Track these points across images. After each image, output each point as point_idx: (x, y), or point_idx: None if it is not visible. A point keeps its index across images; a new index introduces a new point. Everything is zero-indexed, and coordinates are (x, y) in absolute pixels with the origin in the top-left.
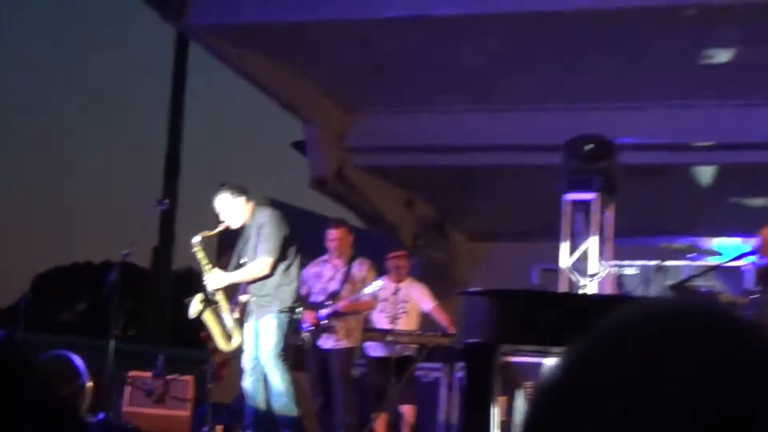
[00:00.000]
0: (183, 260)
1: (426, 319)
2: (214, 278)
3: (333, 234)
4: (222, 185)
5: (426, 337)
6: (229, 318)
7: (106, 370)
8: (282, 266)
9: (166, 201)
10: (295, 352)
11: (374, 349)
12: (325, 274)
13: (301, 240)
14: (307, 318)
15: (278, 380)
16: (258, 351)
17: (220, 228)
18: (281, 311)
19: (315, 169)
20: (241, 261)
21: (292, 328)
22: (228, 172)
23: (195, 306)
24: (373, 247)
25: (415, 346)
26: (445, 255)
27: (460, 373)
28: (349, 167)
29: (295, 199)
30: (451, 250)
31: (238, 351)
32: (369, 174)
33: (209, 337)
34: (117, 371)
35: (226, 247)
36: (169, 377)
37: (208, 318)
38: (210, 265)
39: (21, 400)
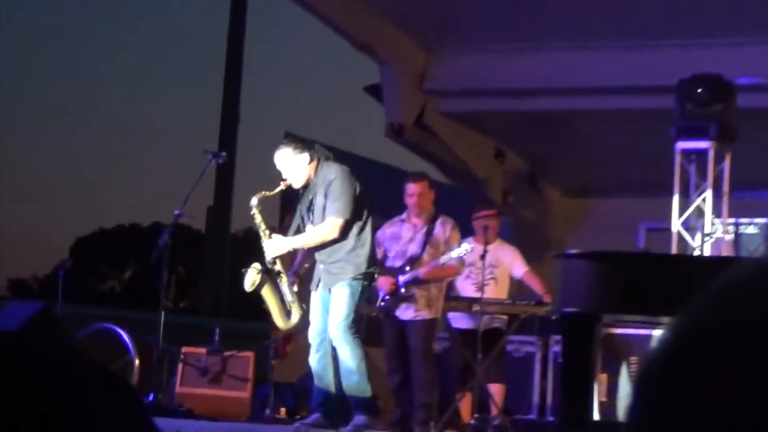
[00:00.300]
0: (242, 221)
1: (517, 286)
2: (274, 245)
3: (412, 189)
4: (284, 139)
5: (517, 306)
6: (288, 291)
7: (156, 345)
8: (354, 228)
9: (223, 154)
10: (369, 324)
11: (458, 321)
12: (403, 236)
13: (375, 197)
14: (383, 285)
15: (348, 356)
16: (326, 324)
17: (281, 187)
18: (355, 278)
19: (391, 115)
20: (305, 224)
21: (365, 297)
22: (292, 122)
23: (251, 277)
24: (458, 205)
25: (504, 317)
26: (538, 213)
27: (556, 348)
28: (430, 113)
29: (368, 151)
30: (545, 208)
31: (304, 324)
32: (453, 121)
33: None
34: (168, 347)
35: (290, 208)
36: (226, 354)
37: (266, 291)
38: (268, 230)
39: (64, 382)
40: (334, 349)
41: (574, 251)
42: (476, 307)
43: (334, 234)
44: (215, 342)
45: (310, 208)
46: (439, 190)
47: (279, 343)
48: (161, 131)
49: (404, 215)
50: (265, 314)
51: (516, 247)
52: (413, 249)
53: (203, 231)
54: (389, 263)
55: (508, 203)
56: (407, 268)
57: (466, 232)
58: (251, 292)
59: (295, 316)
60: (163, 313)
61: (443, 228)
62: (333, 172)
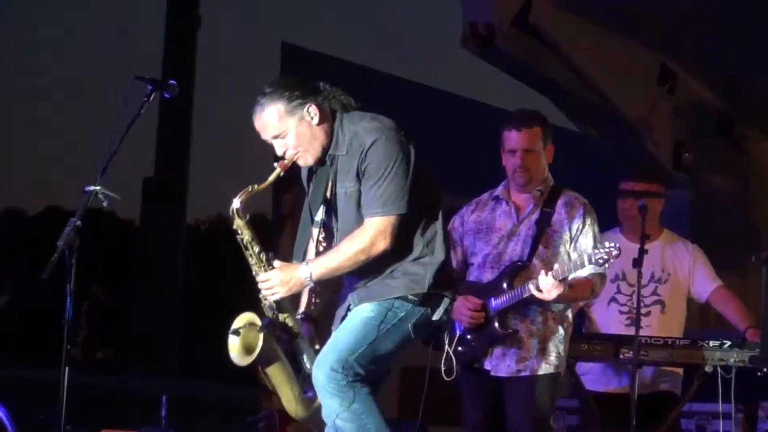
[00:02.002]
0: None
1: (700, 316)
2: (279, 279)
3: (516, 141)
4: (264, 93)
5: (703, 350)
6: (309, 354)
7: (55, 427)
8: (417, 222)
9: (172, 83)
10: (436, 388)
11: (597, 378)
12: (497, 226)
13: (442, 158)
14: (461, 313)
15: (335, 412)
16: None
17: (275, 173)
18: (403, 298)
19: (473, 12)
20: (323, 231)
21: (422, 335)
22: (287, 29)
23: (244, 342)
24: (590, 169)
25: (678, 370)
26: (736, 183)
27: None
28: (541, 5)
29: (429, 75)
30: (748, 174)
31: None
32: (581, 18)
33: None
34: (75, 427)
35: (290, 207)
36: None
37: (273, 368)
38: (264, 255)
39: None
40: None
41: None
42: (628, 353)
43: (382, 243)
44: (161, 419)
45: (329, 203)
46: (557, 141)
47: (274, 422)
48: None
49: (499, 189)
50: (253, 372)
51: (698, 245)
52: (517, 249)
53: (137, 221)
54: (473, 275)
55: (684, 166)
56: (505, 285)
57: (604, 218)
58: (245, 365)
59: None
60: (66, 370)
61: (569, 212)
62: (367, 132)
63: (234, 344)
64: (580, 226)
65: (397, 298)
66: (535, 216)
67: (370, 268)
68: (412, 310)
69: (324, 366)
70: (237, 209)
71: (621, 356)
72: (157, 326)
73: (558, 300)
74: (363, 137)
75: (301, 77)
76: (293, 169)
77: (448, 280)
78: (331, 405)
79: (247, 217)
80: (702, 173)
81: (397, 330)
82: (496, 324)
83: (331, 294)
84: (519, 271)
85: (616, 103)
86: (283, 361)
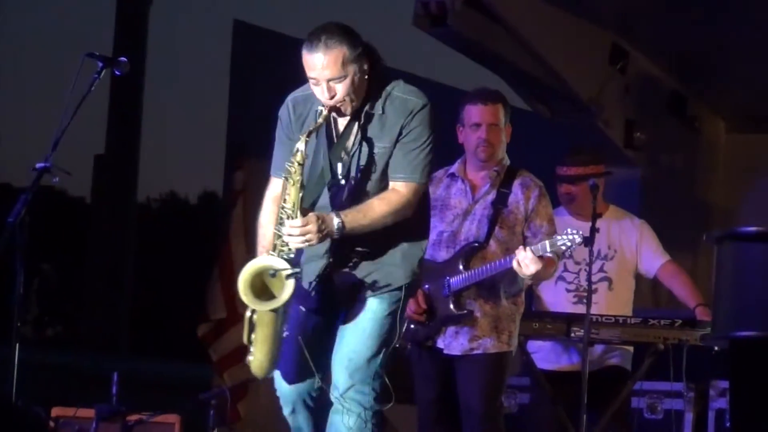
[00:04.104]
0: (158, 180)
1: (651, 293)
2: (315, 225)
3: (481, 115)
4: (326, 31)
5: (652, 328)
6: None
7: (6, 404)
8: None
9: (123, 60)
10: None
11: (547, 356)
12: (453, 202)
13: None
14: (417, 298)
15: (350, 423)
16: (309, 370)
17: (323, 116)
18: (401, 288)
19: None
20: (334, 189)
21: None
22: (241, 6)
23: (260, 288)
24: (541, 148)
25: (628, 348)
26: (687, 161)
27: (720, 402)
28: None
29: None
30: (699, 153)
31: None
32: None
33: (212, 336)
34: (27, 407)
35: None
36: (131, 418)
37: (270, 322)
38: (301, 199)
39: None
40: (321, 408)
41: (753, 229)
42: (579, 332)
43: (410, 210)
44: (112, 396)
45: (349, 166)
46: (513, 121)
47: (225, 399)
48: None
49: (455, 167)
50: (202, 345)
51: (645, 221)
52: (472, 228)
53: (88, 198)
54: (428, 253)
55: (635, 145)
56: (461, 265)
57: (556, 196)
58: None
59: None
60: (17, 347)
61: (525, 193)
62: (413, 95)
63: (249, 288)
64: (536, 207)
65: (400, 288)
66: (491, 196)
67: (372, 245)
68: (407, 296)
69: (353, 374)
70: (304, 147)
71: (572, 335)
72: (107, 304)
73: (534, 276)
74: (407, 99)
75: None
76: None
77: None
78: (348, 412)
79: (305, 159)
80: (653, 152)
81: (402, 317)
82: (452, 304)
83: None
84: (475, 251)
85: (568, 82)
86: (281, 318)
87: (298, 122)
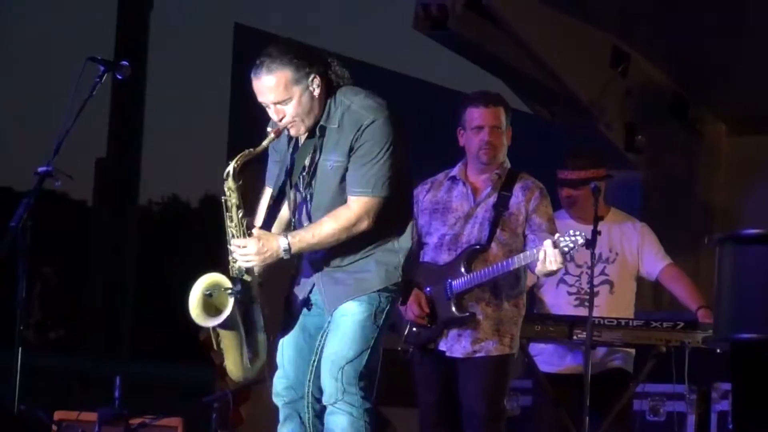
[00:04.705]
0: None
1: (653, 295)
2: (258, 246)
3: (483, 118)
4: (270, 55)
5: (654, 331)
6: (262, 319)
7: (8, 408)
8: (392, 208)
9: (124, 64)
10: (392, 368)
11: (550, 359)
12: (455, 205)
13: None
14: (411, 309)
15: (343, 426)
16: (304, 373)
17: (270, 138)
18: (382, 291)
19: None
20: (295, 205)
21: (389, 321)
22: (243, 10)
23: (207, 305)
24: (542, 151)
25: (630, 350)
26: (688, 164)
27: (723, 404)
28: None
29: (381, 56)
30: (700, 155)
31: (272, 368)
32: (534, 1)
33: (212, 345)
34: (30, 410)
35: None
36: (134, 421)
37: (230, 332)
38: (245, 220)
39: None
40: (317, 413)
41: (755, 231)
42: (581, 334)
43: (365, 224)
44: (114, 400)
45: (307, 175)
46: (513, 124)
47: (228, 402)
48: None
49: (455, 170)
50: (205, 350)
51: (647, 224)
52: (474, 231)
53: (89, 202)
54: (428, 255)
55: (636, 147)
56: (463, 268)
57: (558, 199)
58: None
59: (262, 356)
60: (20, 351)
61: (527, 195)
62: (365, 110)
63: (198, 304)
64: (536, 207)
65: (379, 291)
66: (492, 199)
67: (343, 250)
68: (392, 301)
69: (339, 377)
70: (233, 171)
71: (574, 337)
72: (109, 307)
73: (551, 273)
74: (359, 114)
75: (304, 45)
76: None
77: (413, 266)
78: (340, 415)
79: (240, 181)
80: (655, 155)
81: (384, 324)
82: (453, 307)
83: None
84: (477, 254)
85: (569, 84)
86: (240, 326)
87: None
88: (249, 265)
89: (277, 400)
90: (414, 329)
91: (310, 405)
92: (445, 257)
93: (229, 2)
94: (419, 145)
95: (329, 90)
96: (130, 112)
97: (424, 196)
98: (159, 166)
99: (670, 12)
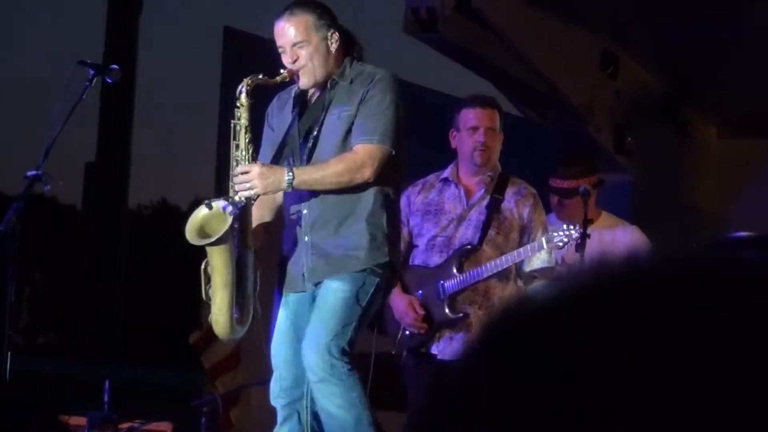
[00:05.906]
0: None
1: None
2: (259, 174)
3: (482, 117)
4: (296, 1)
5: None
6: (254, 275)
7: None
8: (390, 178)
9: (115, 68)
10: (382, 371)
11: None
12: (447, 207)
13: None
14: (407, 316)
15: (338, 404)
16: (298, 351)
17: (282, 75)
18: (368, 269)
19: None
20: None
21: (376, 307)
22: (230, 13)
23: (202, 225)
24: (532, 153)
25: None
26: (679, 167)
27: None
28: None
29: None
30: (691, 158)
31: (262, 372)
32: (523, 4)
33: (204, 343)
34: (24, 414)
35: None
36: (122, 426)
37: (221, 265)
38: (251, 147)
39: None
40: (311, 403)
41: (745, 234)
42: None
43: (368, 171)
44: (104, 404)
45: (313, 131)
46: (505, 127)
47: (217, 406)
48: None
49: (447, 171)
50: (195, 351)
51: (638, 226)
52: (467, 234)
53: (78, 206)
54: (419, 258)
55: (626, 150)
56: (455, 269)
57: (548, 202)
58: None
59: (247, 319)
60: (9, 355)
61: (520, 201)
62: (378, 69)
63: (196, 220)
64: (531, 217)
65: (364, 270)
66: (485, 202)
67: (333, 216)
68: (378, 282)
69: (322, 352)
70: (245, 89)
71: None
72: (99, 311)
73: (548, 272)
74: (373, 71)
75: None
76: None
77: (398, 248)
78: (330, 391)
79: (251, 101)
80: (645, 157)
81: (369, 305)
82: (447, 308)
83: (269, 234)
84: (469, 254)
85: (559, 87)
86: (232, 261)
87: (279, 105)
88: (250, 192)
89: (276, 403)
90: (407, 333)
91: (308, 405)
92: (436, 259)
93: (219, 6)
94: (410, 149)
95: (346, 52)
96: (119, 115)
97: (416, 197)
98: (148, 170)
99: (659, 14)
